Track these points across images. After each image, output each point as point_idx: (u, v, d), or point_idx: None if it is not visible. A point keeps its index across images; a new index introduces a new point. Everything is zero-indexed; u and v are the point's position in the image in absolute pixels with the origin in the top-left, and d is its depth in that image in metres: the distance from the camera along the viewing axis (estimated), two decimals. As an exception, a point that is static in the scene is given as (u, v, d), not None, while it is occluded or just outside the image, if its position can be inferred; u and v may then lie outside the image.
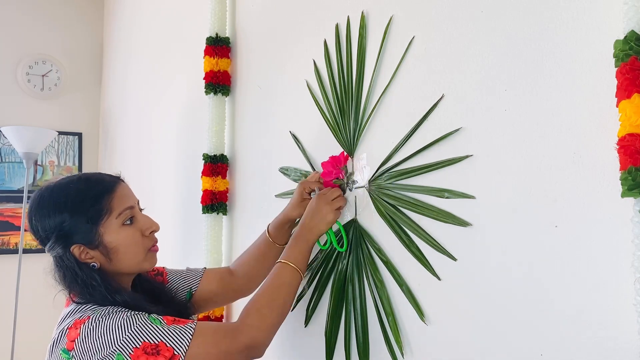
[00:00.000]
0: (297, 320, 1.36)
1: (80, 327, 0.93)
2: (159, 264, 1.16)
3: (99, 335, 0.92)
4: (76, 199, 1.00)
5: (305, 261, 1.15)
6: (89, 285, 0.99)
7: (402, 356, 1.06)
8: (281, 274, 1.12)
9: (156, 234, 1.11)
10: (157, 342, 0.92)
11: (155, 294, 1.13)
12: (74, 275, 1.01)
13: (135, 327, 0.93)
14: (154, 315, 0.97)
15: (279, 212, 1.31)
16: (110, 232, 1.01)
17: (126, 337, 0.92)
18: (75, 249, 1.01)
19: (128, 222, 1.04)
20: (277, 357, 1.46)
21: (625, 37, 0.68)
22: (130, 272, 1.08)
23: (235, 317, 1.66)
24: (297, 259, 1.13)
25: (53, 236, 1.00)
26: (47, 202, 1.01)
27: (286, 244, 1.20)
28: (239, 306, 1.66)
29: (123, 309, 0.96)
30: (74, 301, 1.02)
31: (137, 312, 0.96)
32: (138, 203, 1.10)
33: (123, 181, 1.10)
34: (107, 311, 0.95)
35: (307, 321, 1.32)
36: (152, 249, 1.08)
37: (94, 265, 1.01)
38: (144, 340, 0.92)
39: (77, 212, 0.99)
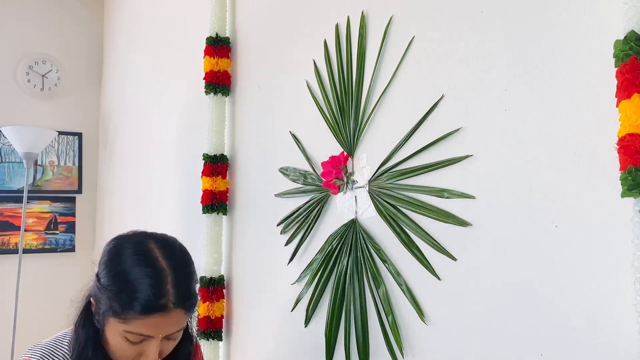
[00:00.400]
0: (297, 320, 1.36)
1: None
2: None
3: None
4: (123, 281, 0.89)
5: None
6: (80, 326, 0.95)
7: (402, 356, 1.06)
8: None
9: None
10: None
11: None
12: (83, 314, 0.96)
13: None
14: None
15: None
16: (111, 330, 0.91)
17: None
18: (92, 304, 0.94)
19: (134, 341, 0.90)
20: (277, 357, 1.47)
21: (625, 37, 0.68)
22: None
23: (235, 317, 1.66)
24: None
25: (95, 283, 0.93)
26: (113, 257, 0.93)
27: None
28: (238, 305, 1.66)
29: None
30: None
31: None
32: (173, 334, 0.93)
33: (183, 309, 0.91)
34: None
35: (307, 321, 1.32)
36: None
37: (96, 322, 0.94)
38: None
39: (109, 290, 0.89)
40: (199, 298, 0.98)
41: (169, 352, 0.95)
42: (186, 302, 0.91)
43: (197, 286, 0.97)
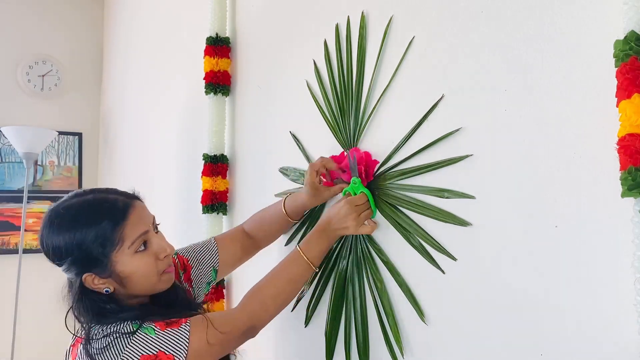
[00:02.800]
0: (297, 320, 1.36)
1: (77, 346, 0.93)
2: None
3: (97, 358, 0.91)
4: (87, 227, 0.95)
5: (321, 258, 1.14)
6: (101, 312, 0.97)
7: (402, 356, 1.06)
8: (295, 266, 1.11)
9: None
10: (155, 353, 0.91)
11: (170, 298, 1.09)
12: (88, 303, 0.98)
13: (131, 345, 0.91)
14: (145, 324, 0.95)
15: (294, 194, 1.26)
16: (122, 262, 0.96)
17: (123, 357, 0.90)
18: (88, 278, 0.97)
19: (142, 248, 0.99)
20: (277, 357, 1.47)
21: (625, 37, 0.68)
22: (144, 295, 1.04)
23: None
24: (315, 255, 1.12)
25: (65, 262, 0.96)
26: (57, 226, 0.97)
27: (300, 219, 1.29)
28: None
29: (119, 333, 0.93)
30: (79, 320, 0.99)
31: (128, 330, 0.93)
32: (154, 220, 1.04)
33: (138, 199, 1.03)
34: (102, 333, 0.94)
35: (307, 321, 1.32)
36: (167, 270, 1.03)
37: (107, 291, 0.98)
38: (142, 354, 0.91)
39: (87, 242, 0.95)
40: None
41: (170, 247, 1.03)
42: (136, 195, 1.03)
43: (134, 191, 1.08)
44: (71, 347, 1.00)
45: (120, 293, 1.00)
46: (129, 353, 0.91)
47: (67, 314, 0.99)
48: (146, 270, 0.99)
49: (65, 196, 1.02)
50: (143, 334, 0.93)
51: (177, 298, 1.09)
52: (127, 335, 0.93)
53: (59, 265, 0.98)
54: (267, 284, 1.10)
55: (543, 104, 0.82)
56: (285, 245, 1.41)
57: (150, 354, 0.91)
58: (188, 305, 1.09)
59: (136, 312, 0.98)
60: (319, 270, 1.27)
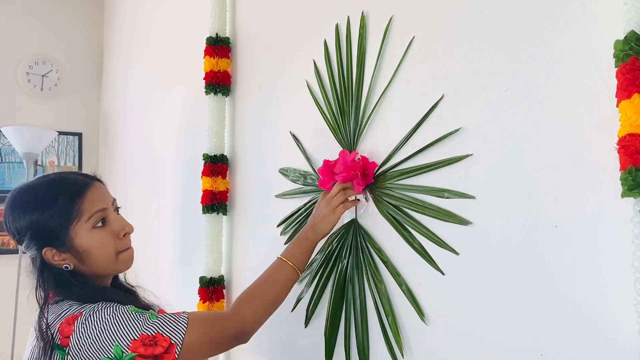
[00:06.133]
0: (297, 320, 1.36)
1: (74, 323, 0.93)
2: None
3: (96, 329, 0.92)
4: (45, 202, 0.99)
5: (305, 260, 1.16)
6: (64, 285, 1.00)
7: (402, 356, 1.06)
8: (278, 271, 1.14)
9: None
10: (154, 334, 0.94)
11: (130, 289, 1.15)
12: (49, 276, 1.01)
13: (132, 320, 0.94)
14: (150, 311, 0.99)
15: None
16: (80, 236, 0.99)
17: (124, 330, 0.92)
18: (47, 252, 1.00)
19: (99, 224, 1.02)
20: (277, 357, 1.47)
21: (625, 37, 0.68)
22: (104, 274, 1.07)
23: (235, 317, 1.66)
24: (297, 258, 1.15)
25: (26, 238, 1.00)
26: (18, 204, 1.01)
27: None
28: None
29: (115, 304, 0.97)
30: (55, 300, 1.01)
31: (130, 306, 0.97)
32: (114, 202, 1.08)
33: (98, 180, 1.07)
34: (100, 306, 0.95)
35: (307, 321, 1.32)
36: (126, 250, 1.06)
37: (66, 267, 1.01)
38: (142, 333, 0.93)
39: (45, 216, 0.98)
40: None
41: (129, 226, 1.07)
42: (94, 176, 1.07)
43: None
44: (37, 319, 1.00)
45: (81, 271, 1.02)
46: (131, 325, 0.93)
47: (30, 291, 1.02)
48: (104, 246, 1.01)
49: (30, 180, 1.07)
50: (146, 315, 0.96)
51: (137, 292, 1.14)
52: (130, 309, 0.96)
53: (20, 242, 1.01)
54: (256, 290, 1.12)
55: (543, 104, 0.82)
56: (285, 244, 1.41)
57: (149, 334, 0.93)
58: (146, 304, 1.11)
59: (98, 290, 1.01)
60: (320, 273, 1.27)
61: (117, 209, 1.09)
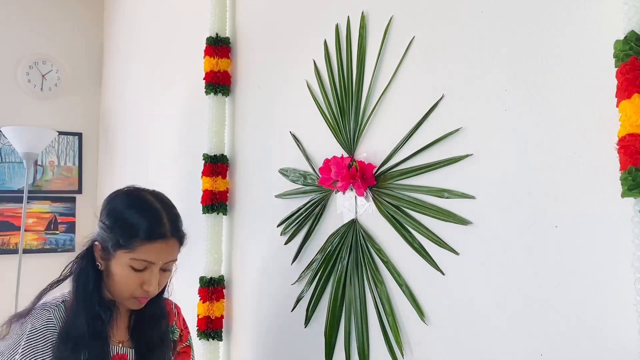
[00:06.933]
0: (297, 320, 1.36)
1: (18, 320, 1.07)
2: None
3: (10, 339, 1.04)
4: (126, 219, 1.06)
5: None
6: (83, 257, 1.10)
7: (402, 356, 1.06)
8: None
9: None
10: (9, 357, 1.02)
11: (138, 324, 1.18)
12: (86, 258, 1.10)
13: (15, 340, 1.04)
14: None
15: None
16: (117, 261, 1.06)
17: (8, 344, 1.03)
18: (97, 245, 1.09)
19: (139, 268, 1.06)
20: (277, 357, 1.47)
21: (625, 37, 0.68)
22: (116, 298, 1.12)
23: (235, 317, 1.66)
24: None
25: (102, 222, 1.09)
26: (125, 197, 1.12)
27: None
28: (238, 305, 1.66)
29: (39, 320, 1.05)
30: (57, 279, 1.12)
31: (34, 326, 1.05)
32: (169, 263, 1.11)
33: (177, 240, 1.10)
34: (36, 313, 1.06)
35: (307, 321, 1.32)
36: (139, 299, 1.10)
37: (98, 264, 1.10)
38: (9, 353, 1.02)
39: (115, 228, 1.06)
40: (187, 240, 1.15)
41: (163, 285, 1.13)
42: (179, 233, 1.11)
43: (184, 229, 1.15)
44: None
45: (104, 281, 1.11)
46: (10, 346, 1.05)
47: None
48: (126, 283, 1.07)
49: (150, 190, 1.17)
50: (25, 341, 1.04)
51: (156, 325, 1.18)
52: (22, 333, 1.05)
53: (100, 220, 1.11)
54: None
55: (543, 104, 0.82)
56: (285, 244, 1.42)
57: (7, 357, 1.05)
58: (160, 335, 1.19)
59: (92, 308, 1.07)
60: (320, 273, 1.27)
61: (167, 269, 1.11)
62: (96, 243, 1.09)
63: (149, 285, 1.07)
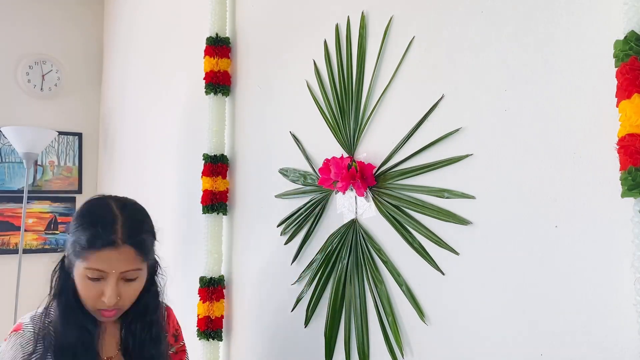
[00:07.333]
0: (297, 320, 1.36)
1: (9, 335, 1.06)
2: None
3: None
4: (79, 226, 1.03)
5: None
6: (59, 280, 1.08)
7: (402, 356, 1.06)
8: None
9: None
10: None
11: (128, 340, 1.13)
12: (61, 272, 1.08)
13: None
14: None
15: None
16: (77, 272, 1.04)
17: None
18: (66, 256, 1.08)
19: (95, 277, 1.02)
20: (277, 357, 1.47)
21: (625, 37, 0.68)
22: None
23: (235, 316, 1.66)
24: None
25: (68, 235, 1.07)
26: (76, 213, 1.08)
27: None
28: (238, 305, 1.66)
29: (25, 333, 1.05)
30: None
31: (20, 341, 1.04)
32: (128, 272, 1.03)
33: (132, 246, 1.02)
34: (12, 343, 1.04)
35: (307, 321, 1.32)
36: (102, 312, 1.05)
37: (72, 275, 1.07)
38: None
39: (72, 236, 1.04)
40: (153, 245, 1.10)
41: (129, 297, 1.06)
42: (133, 239, 1.03)
43: (154, 242, 1.10)
44: None
45: None
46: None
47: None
48: (86, 295, 1.04)
49: (120, 197, 1.12)
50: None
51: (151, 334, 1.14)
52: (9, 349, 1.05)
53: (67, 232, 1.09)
54: None
55: (543, 104, 0.82)
56: (285, 244, 1.42)
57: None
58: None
59: (64, 312, 1.05)
60: (320, 273, 1.27)
61: (128, 278, 1.04)
62: (65, 253, 1.08)
63: (101, 295, 1.02)
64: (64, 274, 1.07)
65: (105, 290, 1.02)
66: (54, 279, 1.08)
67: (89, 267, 1.01)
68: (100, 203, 1.08)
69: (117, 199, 1.10)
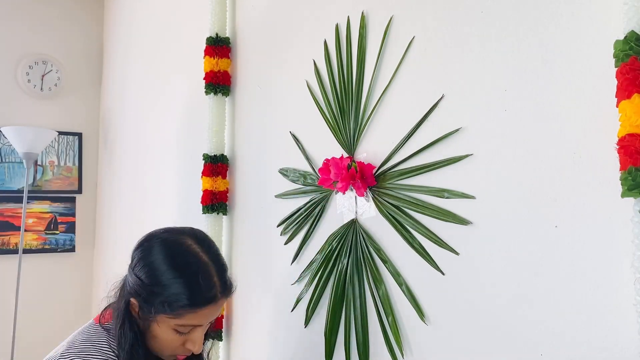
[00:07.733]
0: (297, 320, 1.36)
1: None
2: None
3: None
4: (174, 280, 0.95)
5: None
6: (123, 319, 0.99)
7: (402, 356, 1.06)
8: None
9: None
10: None
11: None
12: (123, 306, 1.00)
13: None
14: None
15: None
16: (160, 325, 0.98)
17: None
18: (134, 303, 0.99)
19: (184, 331, 0.99)
20: (277, 357, 1.47)
21: (625, 37, 0.68)
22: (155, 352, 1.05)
23: (235, 316, 1.66)
24: None
25: (138, 278, 0.99)
26: (163, 252, 0.99)
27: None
28: (238, 305, 1.66)
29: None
30: (100, 324, 1.02)
31: None
32: (215, 319, 1.03)
33: (225, 297, 1.01)
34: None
35: (307, 321, 1.32)
36: (178, 357, 1.05)
37: (138, 323, 1.01)
38: None
39: (162, 288, 0.96)
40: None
41: (199, 348, 1.02)
42: (229, 291, 1.01)
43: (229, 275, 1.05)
44: None
45: (144, 335, 1.02)
46: None
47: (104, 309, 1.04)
48: (168, 345, 1.00)
49: (188, 231, 1.05)
50: None
51: None
52: None
53: (134, 272, 0.99)
54: None
55: (543, 104, 0.82)
56: (285, 244, 1.42)
57: None
58: None
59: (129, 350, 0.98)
60: (320, 273, 1.27)
61: (210, 322, 1.03)
62: (132, 300, 0.99)
63: (193, 344, 1.00)
64: (127, 324, 0.99)
65: (195, 340, 0.99)
66: (119, 332, 0.99)
67: (184, 324, 0.96)
68: (181, 249, 1.00)
69: (189, 235, 1.04)
